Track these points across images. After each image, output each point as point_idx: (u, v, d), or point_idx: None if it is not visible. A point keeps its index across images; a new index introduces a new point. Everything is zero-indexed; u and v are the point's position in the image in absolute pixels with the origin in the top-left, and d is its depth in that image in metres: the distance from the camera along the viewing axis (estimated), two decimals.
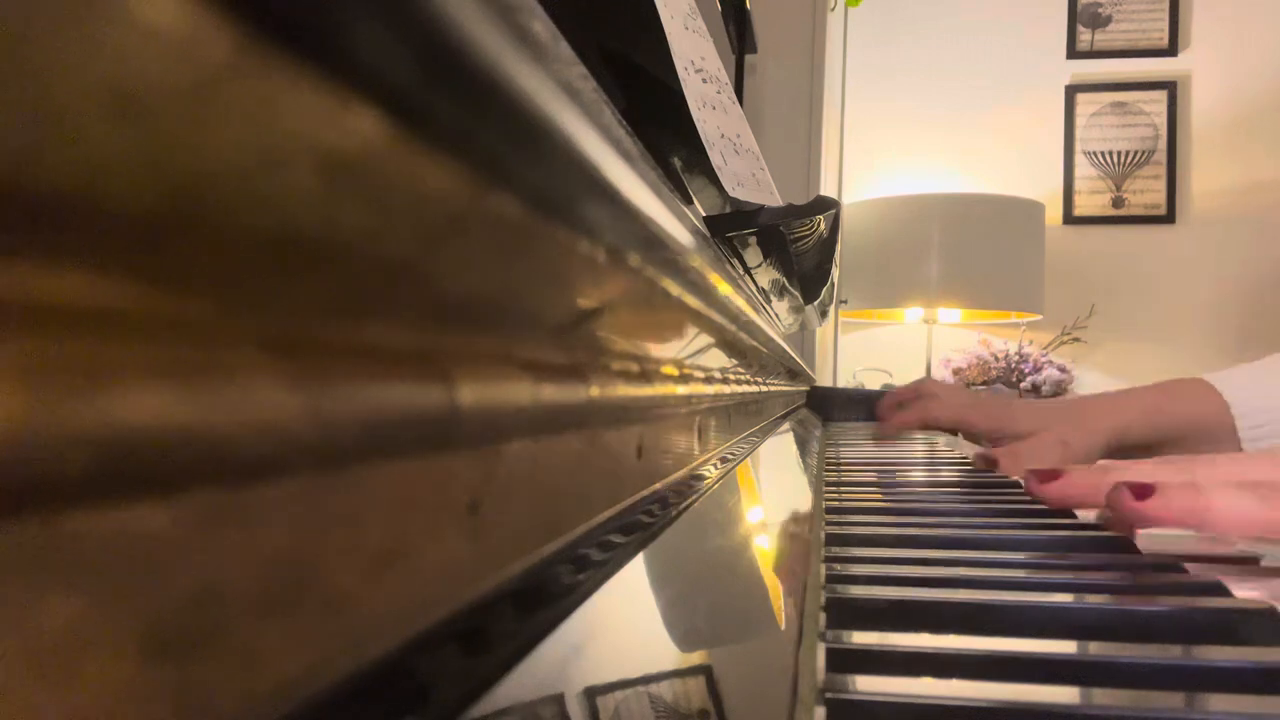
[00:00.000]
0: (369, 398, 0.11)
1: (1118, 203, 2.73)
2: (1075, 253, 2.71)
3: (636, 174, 0.19)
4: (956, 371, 2.56)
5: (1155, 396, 0.83)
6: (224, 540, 0.08)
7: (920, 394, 0.96)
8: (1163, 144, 2.71)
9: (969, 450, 1.05)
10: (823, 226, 0.55)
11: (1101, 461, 0.55)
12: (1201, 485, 0.45)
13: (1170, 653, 0.29)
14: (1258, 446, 0.78)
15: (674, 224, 0.23)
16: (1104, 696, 0.26)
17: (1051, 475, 0.49)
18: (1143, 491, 0.44)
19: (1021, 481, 0.72)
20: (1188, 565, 0.40)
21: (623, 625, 0.20)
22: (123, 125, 0.07)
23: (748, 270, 0.52)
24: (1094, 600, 0.35)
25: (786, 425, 0.86)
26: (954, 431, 0.97)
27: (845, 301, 2.50)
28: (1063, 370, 2.54)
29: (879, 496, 0.62)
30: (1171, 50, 2.71)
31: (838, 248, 0.96)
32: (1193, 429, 0.81)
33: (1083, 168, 2.74)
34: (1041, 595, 0.35)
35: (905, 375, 2.53)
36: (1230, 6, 2.68)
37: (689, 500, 0.31)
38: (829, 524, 0.50)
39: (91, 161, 0.07)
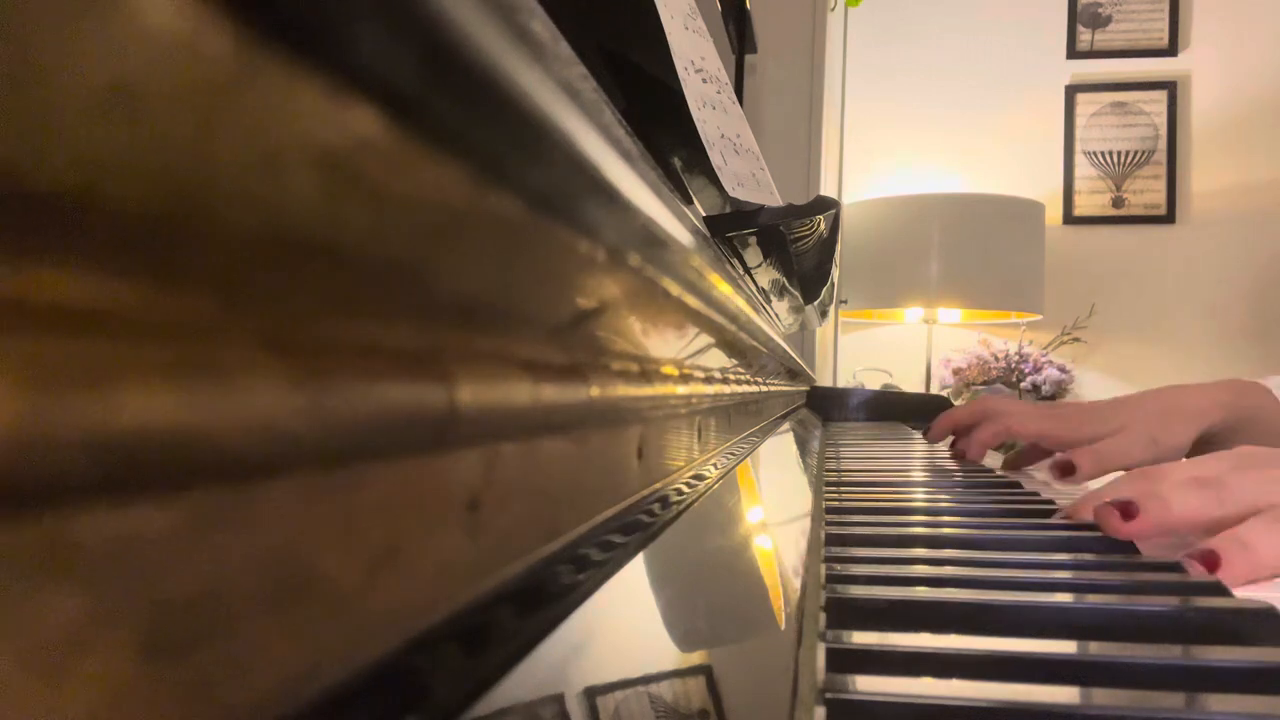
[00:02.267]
0: (369, 397, 0.11)
1: (1118, 203, 2.73)
2: (1075, 253, 2.71)
3: (636, 174, 0.19)
4: (956, 371, 2.56)
5: (1234, 392, 0.81)
6: (224, 539, 0.08)
7: (988, 414, 0.87)
8: (1163, 144, 2.71)
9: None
10: (823, 226, 0.55)
11: (1153, 469, 0.52)
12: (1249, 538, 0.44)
13: (1170, 653, 0.29)
14: None
15: (674, 224, 0.23)
16: (1104, 696, 0.26)
17: (1129, 513, 0.47)
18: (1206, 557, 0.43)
19: (1023, 482, 0.72)
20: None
21: (623, 625, 0.20)
22: (122, 124, 0.07)
23: (748, 270, 0.52)
24: (1094, 600, 0.35)
25: (786, 425, 0.86)
26: (1034, 445, 0.90)
27: (845, 301, 2.50)
28: (1063, 370, 2.54)
29: (879, 496, 0.62)
30: (1171, 50, 2.71)
31: (838, 248, 0.96)
32: (1258, 426, 0.80)
33: (1083, 168, 2.74)
34: (1042, 595, 0.35)
35: (905, 375, 2.53)
36: (1230, 6, 2.68)
37: (689, 500, 0.31)
38: (829, 524, 0.50)
39: (91, 161, 0.07)
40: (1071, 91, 2.75)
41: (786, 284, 0.67)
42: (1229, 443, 0.78)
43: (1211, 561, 0.42)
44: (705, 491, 0.33)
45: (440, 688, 0.12)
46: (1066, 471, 0.76)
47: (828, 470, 0.76)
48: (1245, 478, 0.48)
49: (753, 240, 0.48)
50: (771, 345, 0.63)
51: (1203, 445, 0.80)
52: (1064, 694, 0.26)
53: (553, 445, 0.18)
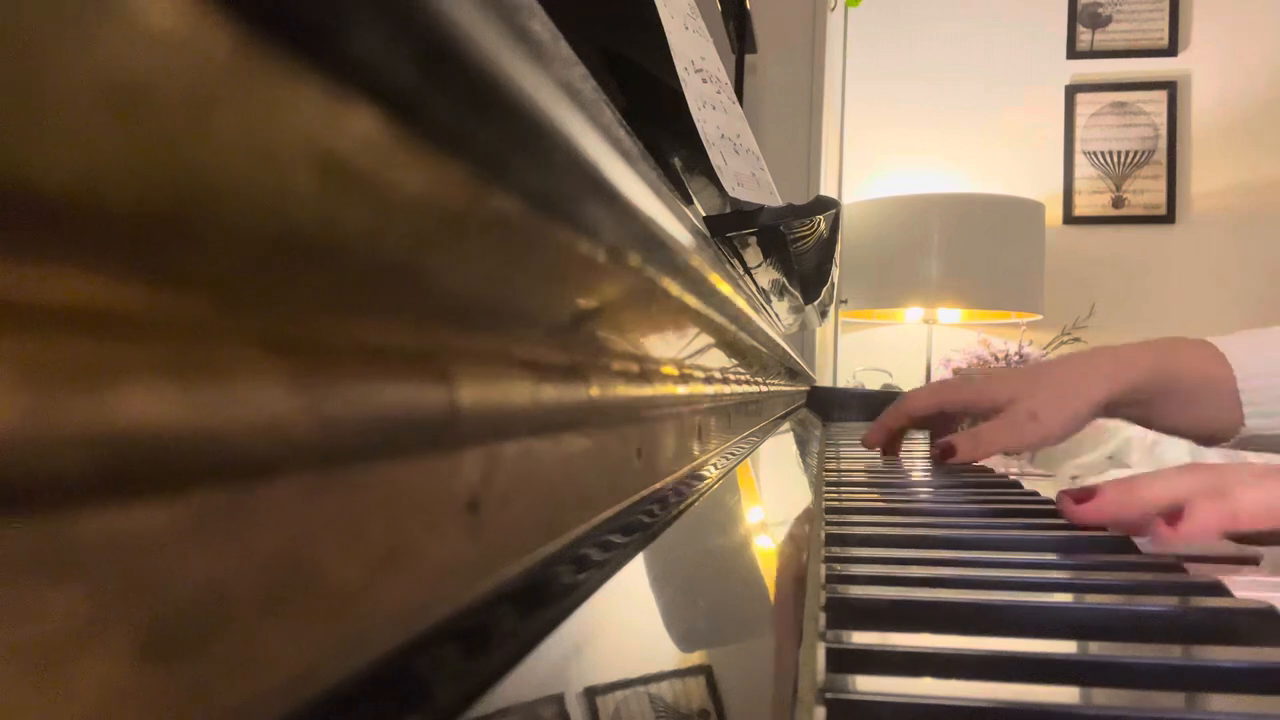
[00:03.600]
0: (369, 397, 0.11)
1: (1118, 203, 2.73)
2: (1075, 253, 2.71)
3: (636, 174, 0.19)
4: (956, 371, 2.56)
5: (1158, 353, 0.77)
6: (224, 540, 0.08)
7: (896, 405, 0.86)
8: (1163, 144, 2.71)
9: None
10: (823, 226, 0.55)
11: (1131, 476, 0.51)
12: (1224, 487, 0.44)
13: (1170, 653, 0.29)
14: (1256, 409, 0.75)
15: (674, 224, 0.23)
16: (1104, 696, 0.26)
17: (1085, 496, 0.48)
18: (1172, 517, 0.44)
19: (999, 473, 0.72)
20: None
21: (623, 625, 0.20)
22: (122, 124, 0.07)
23: (748, 270, 0.52)
24: (1094, 600, 0.35)
25: (786, 425, 0.86)
26: (937, 421, 0.88)
27: (845, 301, 2.50)
28: None
29: (878, 496, 0.62)
30: (1171, 50, 2.71)
31: (838, 248, 0.96)
32: (1194, 386, 0.75)
33: (1083, 168, 2.74)
34: (1041, 595, 0.35)
35: (905, 375, 2.52)
36: (1230, 7, 2.68)
37: (689, 500, 0.31)
38: (829, 524, 0.50)
39: (91, 161, 0.07)
40: (1071, 91, 2.75)
41: (786, 284, 0.67)
42: (1141, 410, 0.76)
43: (1174, 517, 0.41)
44: (705, 492, 0.33)
45: (440, 688, 0.12)
46: (947, 454, 0.75)
47: (828, 470, 0.76)
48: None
49: (753, 240, 0.48)
50: (771, 345, 0.63)
51: (1113, 411, 0.76)
52: (1064, 694, 0.26)
53: (553, 445, 0.18)
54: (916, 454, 0.98)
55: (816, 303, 0.84)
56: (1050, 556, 0.44)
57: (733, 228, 0.44)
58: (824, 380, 2.25)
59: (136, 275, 0.07)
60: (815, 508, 0.50)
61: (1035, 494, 0.62)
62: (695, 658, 0.22)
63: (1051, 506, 0.56)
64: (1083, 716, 0.25)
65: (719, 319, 0.36)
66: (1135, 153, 2.72)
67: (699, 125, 0.43)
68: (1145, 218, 2.71)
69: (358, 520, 0.11)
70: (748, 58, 1.30)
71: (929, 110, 2.77)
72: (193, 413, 0.08)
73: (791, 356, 0.93)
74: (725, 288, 0.34)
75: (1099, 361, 0.76)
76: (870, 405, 1.64)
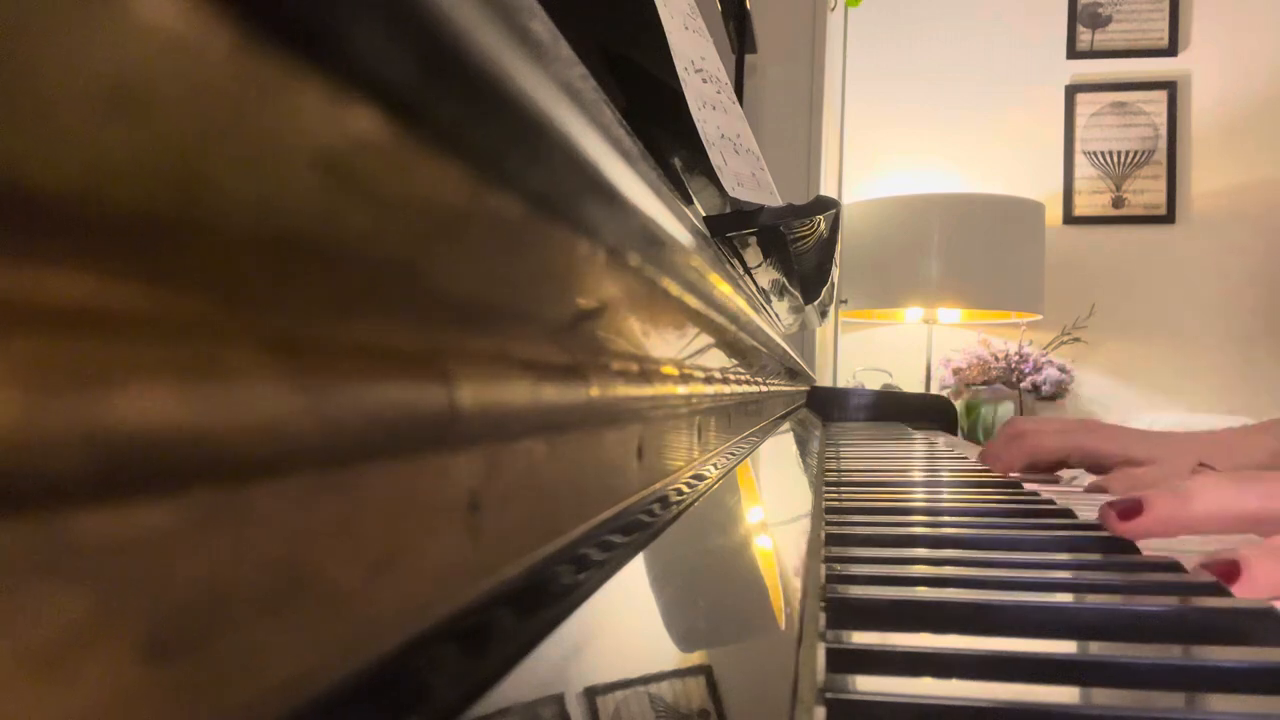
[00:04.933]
0: (370, 397, 0.11)
1: (1118, 203, 2.73)
2: (1075, 253, 2.71)
3: (636, 174, 0.19)
4: (956, 371, 2.57)
5: (1269, 436, 0.74)
6: (224, 540, 0.08)
7: (1011, 435, 0.81)
8: (1163, 144, 2.71)
9: (967, 450, 1.05)
10: (823, 226, 0.55)
11: (1176, 484, 0.50)
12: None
13: (1170, 653, 0.29)
14: None
15: (674, 224, 0.23)
16: (1104, 696, 0.26)
17: (1134, 510, 0.46)
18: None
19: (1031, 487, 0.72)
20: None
21: (623, 625, 0.20)
22: (122, 123, 0.07)
23: (748, 270, 0.52)
24: (1094, 600, 0.35)
25: (786, 425, 0.86)
26: (1062, 465, 0.80)
27: (845, 301, 2.50)
28: (1063, 370, 2.54)
29: (879, 496, 0.62)
30: (1171, 50, 2.71)
31: (838, 248, 0.96)
32: None
33: (1083, 168, 2.74)
34: (1041, 595, 0.35)
35: (905, 375, 2.53)
36: (1230, 7, 2.68)
37: (689, 500, 0.31)
38: (829, 524, 0.50)
39: (91, 160, 0.07)
40: (1071, 91, 2.75)
41: (786, 284, 0.67)
42: None
43: (1231, 573, 0.40)
44: (705, 491, 0.33)
45: (440, 688, 0.12)
46: (1133, 514, 0.70)
47: (828, 470, 0.76)
48: None
49: (753, 240, 0.48)
50: (771, 345, 0.63)
51: None
52: (1064, 694, 0.26)
53: (553, 445, 0.18)
54: (915, 454, 0.98)
55: (816, 303, 0.84)
56: (1050, 556, 0.44)
57: (733, 228, 0.44)
58: (824, 380, 2.25)
59: (137, 275, 0.07)
60: (815, 507, 0.50)
61: (1035, 494, 0.62)
62: (695, 658, 0.22)
63: (1052, 506, 0.56)
64: (1083, 716, 0.25)
65: (719, 319, 0.36)
66: (1135, 153, 2.72)
67: (699, 125, 0.43)
68: (1145, 218, 2.71)
69: (358, 520, 0.11)
70: (748, 58, 1.30)
71: (929, 110, 2.77)
72: (194, 413, 0.08)
73: (791, 356, 0.93)
74: (725, 288, 0.34)
75: (1225, 444, 0.73)
76: (870, 405, 1.64)
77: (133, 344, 0.07)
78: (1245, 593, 0.38)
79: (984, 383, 2.52)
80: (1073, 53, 2.75)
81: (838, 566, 0.39)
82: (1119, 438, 0.76)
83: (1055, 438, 0.79)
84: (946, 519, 0.55)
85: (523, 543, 0.16)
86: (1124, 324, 2.68)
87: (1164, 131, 2.71)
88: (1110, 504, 0.45)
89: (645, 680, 0.18)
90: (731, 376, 0.46)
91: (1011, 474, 0.80)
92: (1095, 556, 0.44)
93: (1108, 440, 0.76)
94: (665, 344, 0.28)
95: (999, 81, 2.75)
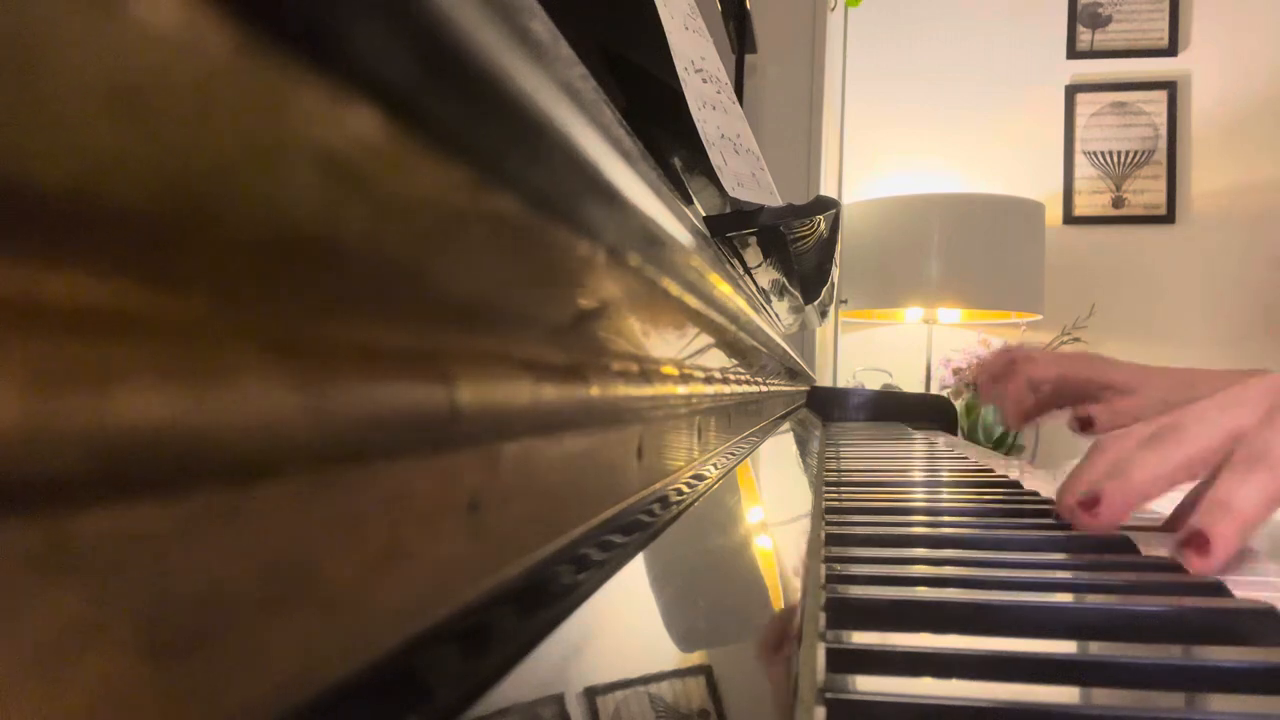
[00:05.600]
0: (370, 397, 0.11)
1: (1118, 203, 2.73)
2: (1075, 253, 2.71)
3: (636, 174, 0.19)
4: (956, 371, 2.56)
5: (1242, 378, 0.79)
6: (224, 539, 0.08)
7: (1014, 359, 0.88)
8: (1163, 144, 2.71)
9: (967, 450, 1.05)
10: (823, 226, 0.55)
11: (1114, 459, 0.52)
12: (1230, 500, 0.44)
13: (1170, 653, 0.29)
14: None
15: (674, 224, 0.23)
16: (1104, 696, 0.26)
17: (1092, 502, 0.48)
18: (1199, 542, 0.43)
19: (1022, 484, 0.72)
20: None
21: (623, 625, 0.20)
22: (122, 124, 0.07)
23: (748, 270, 0.52)
24: (1094, 600, 0.35)
25: (786, 425, 0.86)
26: (1055, 392, 0.89)
27: (845, 301, 2.50)
28: None
29: (879, 496, 0.62)
30: (1171, 50, 2.71)
31: (838, 248, 0.96)
32: None
33: (1083, 168, 2.74)
34: (1041, 595, 0.35)
35: (905, 375, 2.52)
36: (1230, 7, 2.68)
37: (689, 500, 0.31)
38: (829, 524, 0.50)
39: (91, 160, 0.07)
40: (1071, 91, 2.75)
41: (786, 284, 0.67)
42: None
43: (1201, 543, 0.42)
44: (705, 491, 0.33)
45: (440, 688, 0.12)
46: (1086, 425, 0.75)
47: (828, 470, 0.76)
48: (1202, 411, 0.48)
49: (753, 240, 0.48)
50: (771, 345, 0.63)
51: None
52: (1064, 694, 0.26)
53: (553, 445, 0.18)
54: (915, 454, 0.98)
55: (816, 303, 0.84)
56: (1050, 556, 0.44)
57: (733, 228, 0.44)
58: (824, 380, 2.25)
59: (137, 275, 0.07)
60: (815, 507, 0.50)
61: (1035, 494, 0.62)
62: (695, 658, 0.22)
63: (1052, 506, 0.56)
64: (1083, 716, 0.25)
65: (719, 319, 0.36)
66: (1135, 153, 2.72)
67: (699, 125, 0.43)
68: (1145, 218, 2.71)
69: (359, 520, 0.11)
70: (748, 58, 1.30)
71: (929, 110, 2.77)
72: (195, 412, 0.08)
73: (791, 356, 0.93)
74: (725, 288, 0.34)
75: (1214, 380, 0.76)
76: (870, 405, 1.64)
77: (134, 344, 0.07)
78: (1219, 556, 0.41)
79: None
80: (1073, 53, 2.75)
81: (838, 566, 0.39)
82: (1098, 365, 0.81)
83: (1044, 366, 0.85)
84: (946, 519, 0.55)
85: (523, 543, 0.16)
86: (1124, 324, 2.68)
87: (1164, 131, 2.71)
88: (1179, 541, 0.45)
89: (645, 680, 0.18)
90: (731, 376, 0.46)
91: (1014, 401, 0.86)
92: (1095, 556, 0.44)
93: (1089, 368, 0.81)
94: (665, 344, 0.28)
95: (999, 81, 2.75)
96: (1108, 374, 0.79)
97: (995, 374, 0.88)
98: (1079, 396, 0.83)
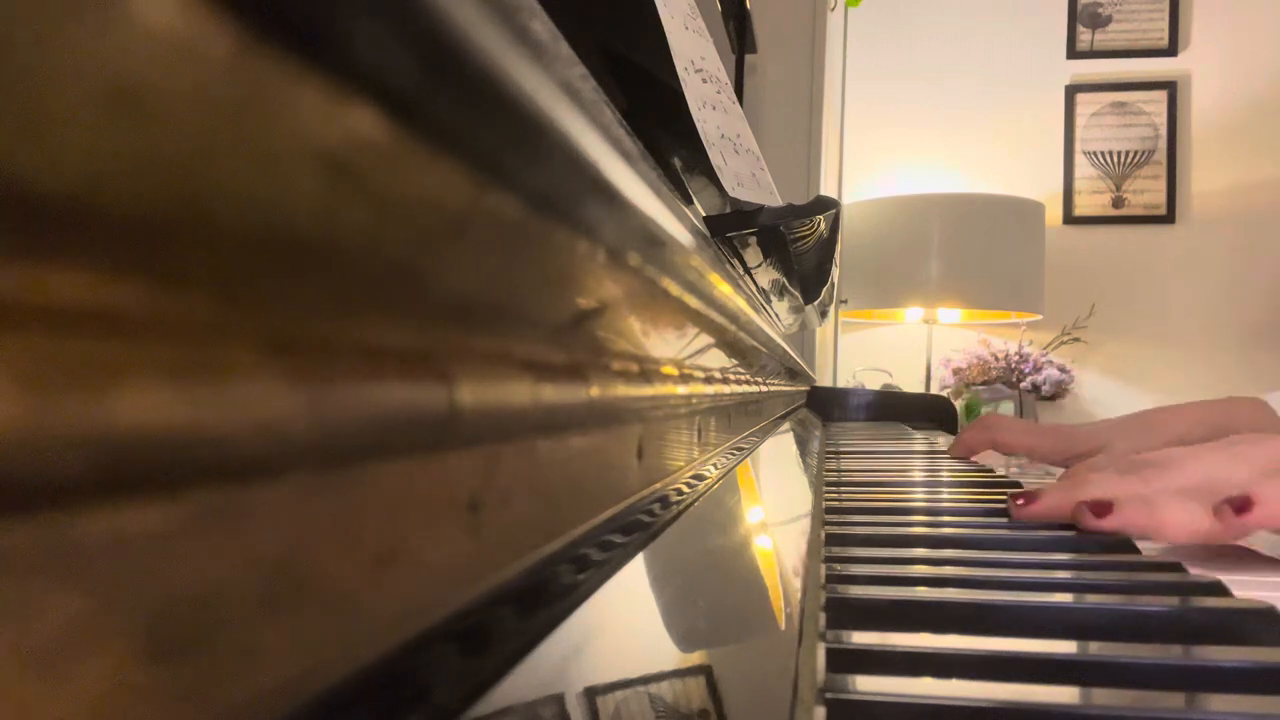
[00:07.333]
0: (370, 398, 0.11)
1: (1118, 203, 2.73)
2: (1075, 253, 2.71)
3: (636, 174, 0.19)
4: (956, 371, 2.56)
5: (1213, 412, 0.81)
6: (224, 540, 0.08)
7: (985, 426, 0.92)
8: (1163, 144, 2.71)
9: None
10: (823, 226, 0.55)
11: (1074, 469, 0.58)
12: (1153, 498, 0.49)
13: (1170, 653, 0.29)
14: None
15: (674, 224, 0.24)
16: (1104, 696, 0.26)
17: (1031, 498, 0.53)
18: (1100, 510, 0.49)
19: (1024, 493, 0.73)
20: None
21: (623, 625, 0.20)
22: (122, 124, 0.07)
23: (748, 270, 0.52)
24: (1094, 600, 0.35)
25: (786, 425, 0.86)
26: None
27: (845, 301, 2.50)
28: (1063, 370, 2.54)
29: (879, 496, 0.62)
30: (1171, 50, 2.71)
31: (838, 248, 0.96)
32: None
33: (1083, 168, 2.74)
34: (1041, 595, 0.35)
35: (905, 375, 2.52)
36: (1230, 7, 2.68)
37: (689, 500, 0.31)
38: (829, 524, 0.50)
39: (91, 161, 0.07)
40: (1071, 91, 2.75)
41: (786, 284, 0.67)
42: None
43: (1243, 503, 0.44)
44: (705, 491, 0.33)
45: (440, 688, 0.12)
46: (1030, 501, 0.77)
47: (827, 470, 0.76)
48: (1191, 452, 0.52)
49: (753, 240, 0.48)
50: (771, 345, 0.63)
51: None
52: (1064, 694, 0.26)
53: (553, 445, 0.18)
54: (915, 454, 0.98)
55: (816, 303, 0.84)
56: (1050, 556, 0.44)
57: (733, 228, 0.44)
58: (824, 380, 2.25)
59: (137, 275, 0.07)
60: (815, 507, 0.50)
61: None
62: (695, 658, 0.22)
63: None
64: (1083, 716, 0.25)
65: (719, 319, 0.36)
66: (1135, 153, 2.72)
67: (699, 125, 0.43)
68: (1145, 218, 2.71)
69: (358, 520, 0.11)
70: (748, 58, 1.30)
71: (929, 110, 2.77)
72: (195, 412, 0.08)
73: (791, 356, 0.93)
74: (725, 288, 0.34)
75: (1164, 417, 0.82)
76: (870, 405, 1.64)
77: (134, 344, 0.07)
78: (1258, 517, 0.45)
79: (984, 383, 2.52)
80: (1073, 53, 2.75)
81: (838, 566, 0.39)
82: (1068, 440, 0.84)
83: (1016, 435, 0.89)
84: (946, 519, 0.55)
85: (523, 543, 0.16)
86: (1124, 324, 2.68)
87: (1164, 131, 2.71)
88: (1087, 503, 0.50)
89: (645, 680, 0.18)
90: (731, 376, 0.46)
91: (971, 456, 0.92)
92: (1095, 556, 0.44)
93: (1054, 447, 0.85)
94: (665, 344, 0.28)
95: (999, 81, 2.75)
96: (1074, 448, 0.83)
97: (971, 447, 0.92)
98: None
